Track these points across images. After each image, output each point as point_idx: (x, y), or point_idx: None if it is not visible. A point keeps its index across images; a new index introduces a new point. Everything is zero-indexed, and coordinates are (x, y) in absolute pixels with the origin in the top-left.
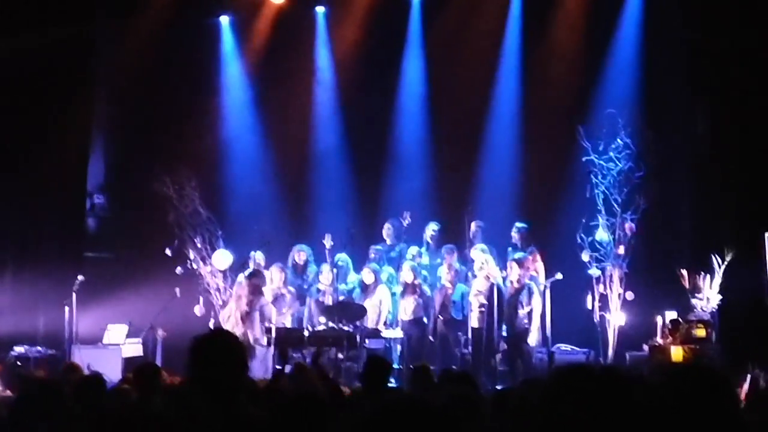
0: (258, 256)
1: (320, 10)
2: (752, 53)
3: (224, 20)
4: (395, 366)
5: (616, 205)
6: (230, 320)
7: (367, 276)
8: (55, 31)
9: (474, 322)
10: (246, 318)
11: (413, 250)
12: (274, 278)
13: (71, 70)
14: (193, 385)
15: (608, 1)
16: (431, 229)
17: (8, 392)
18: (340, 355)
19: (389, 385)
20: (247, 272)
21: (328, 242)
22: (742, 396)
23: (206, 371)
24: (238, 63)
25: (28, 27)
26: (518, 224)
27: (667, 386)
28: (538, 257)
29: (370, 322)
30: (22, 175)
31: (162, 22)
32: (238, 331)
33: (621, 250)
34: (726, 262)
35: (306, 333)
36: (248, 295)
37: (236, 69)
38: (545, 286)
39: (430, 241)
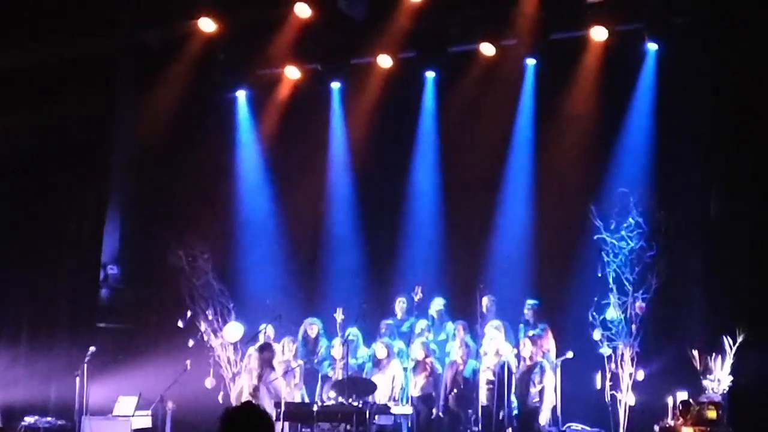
0: (269, 330)
1: (335, 85)
2: (765, 137)
3: (241, 95)
4: None
5: (627, 284)
6: (241, 394)
7: (380, 350)
8: (73, 104)
9: (483, 399)
10: (256, 391)
11: (422, 324)
12: (285, 351)
13: (88, 143)
14: None
15: (621, 81)
16: (437, 304)
17: None
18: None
19: None
20: (257, 345)
21: (339, 316)
22: None
23: None
24: (253, 137)
25: (46, 101)
26: (530, 301)
27: None
28: (550, 335)
29: (382, 396)
30: (38, 245)
31: (178, 96)
32: None
33: (632, 328)
34: (737, 344)
35: (315, 408)
36: (258, 369)
37: (252, 143)
38: (556, 365)
39: (435, 316)
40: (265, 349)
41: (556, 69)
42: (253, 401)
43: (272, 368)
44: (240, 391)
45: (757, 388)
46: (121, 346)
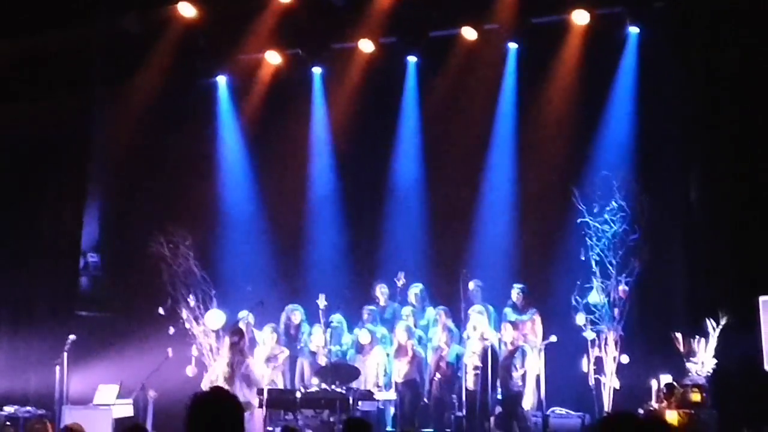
0: (249, 317)
1: (317, 70)
2: (744, 121)
3: (221, 81)
4: (389, 429)
5: (611, 268)
6: (216, 380)
7: (363, 336)
8: (51, 90)
9: (469, 383)
10: (230, 378)
11: (407, 310)
12: (267, 339)
13: (67, 130)
14: None
15: (603, 64)
16: (414, 290)
17: None
18: (332, 418)
19: None
20: (229, 332)
21: (322, 302)
22: None
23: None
24: (234, 123)
25: (24, 88)
26: (518, 285)
27: None
28: (538, 320)
29: (367, 383)
30: (17, 234)
31: (158, 82)
32: None
33: (616, 312)
34: (720, 326)
35: (298, 395)
36: (229, 355)
37: (232, 129)
38: (540, 349)
39: (415, 303)
40: (235, 335)
41: (538, 53)
42: (228, 388)
43: (243, 355)
44: (215, 378)
45: (741, 370)
46: (102, 334)
